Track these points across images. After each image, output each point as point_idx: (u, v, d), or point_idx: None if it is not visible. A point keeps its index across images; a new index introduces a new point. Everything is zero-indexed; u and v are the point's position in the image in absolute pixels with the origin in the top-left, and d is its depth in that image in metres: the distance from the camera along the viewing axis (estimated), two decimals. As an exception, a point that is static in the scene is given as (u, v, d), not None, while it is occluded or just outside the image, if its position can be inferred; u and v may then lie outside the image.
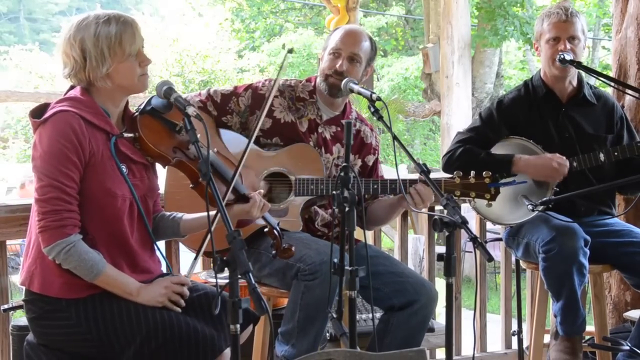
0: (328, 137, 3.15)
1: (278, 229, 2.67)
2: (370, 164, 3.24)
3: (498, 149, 3.30)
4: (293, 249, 2.67)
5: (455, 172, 2.95)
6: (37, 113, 2.40)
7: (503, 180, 2.90)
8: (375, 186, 3.01)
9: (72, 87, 2.47)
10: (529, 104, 3.36)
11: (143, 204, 2.48)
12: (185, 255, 3.31)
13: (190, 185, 2.56)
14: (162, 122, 2.52)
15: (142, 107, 2.52)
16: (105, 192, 2.37)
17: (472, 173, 2.90)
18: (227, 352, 2.42)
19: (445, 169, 3.32)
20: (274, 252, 2.67)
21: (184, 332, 2.36)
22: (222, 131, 3.10)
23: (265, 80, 3.20)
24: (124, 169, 2.42)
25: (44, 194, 2.31)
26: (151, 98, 2.52)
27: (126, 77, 2.41)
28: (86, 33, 2.36)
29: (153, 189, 2.57)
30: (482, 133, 3.34)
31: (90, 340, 2.35)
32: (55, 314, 2.37)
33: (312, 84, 3.18)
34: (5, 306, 2.96)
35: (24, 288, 2.45)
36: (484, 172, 2.90)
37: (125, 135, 2.45)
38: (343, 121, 3.17)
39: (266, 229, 2.71)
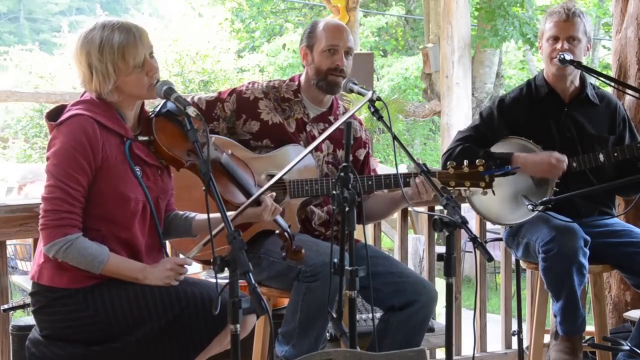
0: (316, 134, 3.14)
1: (289, 231, 2.68)
2: (362, 158, 3.23)
3: (497, 149, 3.30)
4: (303, 251, 2.67)
5: (448, 163, 2.94)
6: (54, 115, 2.45)
7: (496, 168, 2.89)
8: (370, 182, 3.01)
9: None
10: (530, 104, 3.35)
11: (155, 206, 2.50)
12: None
13: (204, 189, 2.56)
14: (177, 126, 2.52)
15: (158, 109, 2.53)
16: (119, 196, 2.40)
17: (466, 162, 2.89)
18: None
19: (444, 167, 3.31)
20: (284, 254, 2.67)
21: (198, 302, 2.41)
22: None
23: (249, 84, 3.18)
24: (138, 172, 2.44)
25: (49, 194, 2.36)
26: (167, 101, 2.52)
27: (134, 89, 2.44)
28: (92, 47, 2.39)
29: (166, 190, 2.59)
30: (482, 132, 3.34)
31: (96, 324, 2.39)
32: (62, 301, 2.40)
33: (296, 82, 3.17)
34: (5, 306, 2.96)
35: (31, 283, 2.48)
36: (477, 161, 2.89)
37: (140, 138, 2.48)
38: (331, 118, 3.19)
39: (277, 231, 2.71)
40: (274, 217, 2.66)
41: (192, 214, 2.66)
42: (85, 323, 2.39)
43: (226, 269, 2.07)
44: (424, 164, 2.66)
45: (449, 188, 2.90)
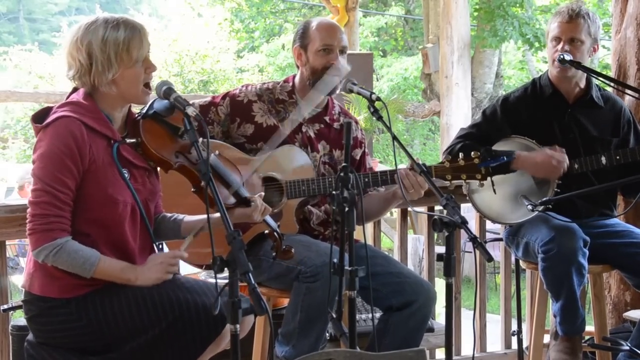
0: (312, 135, 3.14)
1: (278, 231, 2.68)
2: (358, 157, 3.23)
3: (499, 148, 3.29)
4: (293, 250, 2.68)
5: (444, 157, 2.94)
6: (39, 118, 2.41)
7: (492, 159, 2.87)
8: (367, 180, 3.01)
9: (74, 90, 2.46)
10: (534, 103, 3.35)
11: (145, 208, 2.48)
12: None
13: (192, 189, 2.55)
14: (164, 126, 2.51)
15: (144, 110, 2.51)
16: (107, 199, 2.37)
17: (461, 155, 2.87)
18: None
19: None
20: (274, 254, 2.68)
21: (192, 309, 2.39)
22: None
23: (243, 87, 3.18)
24: (126, 174, 2.41)
25: (36, 197, 2.31)
26: (153, 101, 2.51)
27: (131, 83, 2.41)
28: (94, 37, 2.36)
29: (155, 192, 2.57)
30: (484, 130, 3.34)
31: (90, 334, 2.37)
32: (54, 311, 2.37)
33: (290, 84, 3.17)
34: (5, 306, 2.96)
35: (24, 290, 2.45)
36: (472, 153, 2.87)
37: (128, 141, 2.45)
38: (341, 121, 3.20)
39: (267, 231, 2.71)
40: (264, 217, 2.65)
41: (181, 216, 2.64)
42: (79, 333, 2.37)
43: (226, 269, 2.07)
44: (424, 164, 2.65)
45: (446, 182, 2.90)
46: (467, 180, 2.89)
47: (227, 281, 2.05)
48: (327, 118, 3.18)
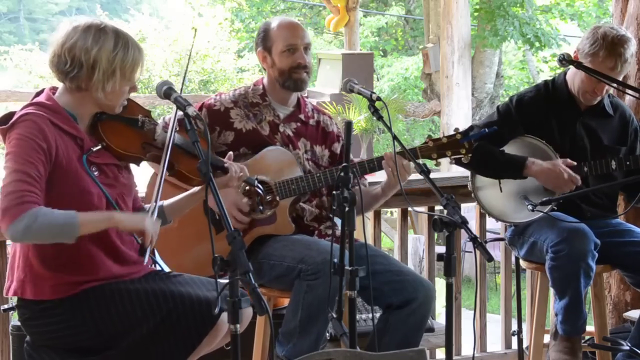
0: (290, 134, 3.14)
1: (258, 185, 2.76)
2: (338, 152, 3.23)
3: (510, 147, 3.28)
4: (277, 198, 2.82)
5: (427, 137, 2.96)
6: (3, 121, 2.40)
7: (474, 133, 2.88)
8: (355, 169, 3.00)
9: (37, 95, 2.46)
10: (547, 106, 3.33)
11: (122, 203, 2.48)
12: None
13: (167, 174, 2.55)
14: (123, 122, 2.50)
15: (99, 113, 2.50)
16: (80, 191, 2.36)
17: (443, 133, 2.91)
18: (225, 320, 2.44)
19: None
20: (260, 207, 2.80)
21: (186, 300, 2.39)
22: None
23: (217, 95, 3.19)
24: (95, 172, 2.41)
25: (6, 180, 2.27)
26: None
27: (116, 99, 2.44)
28: (104, 47, 2.37)
29: (130, 186, 2.57)
30: (498, 129, 3.33)
31: (86, 332, 2.38)
32: (48, 312, 2.38)
33: (261, 86, 3.17)
34: (5, 306, 2.96)
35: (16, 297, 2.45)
36: (453, 129, 2.92)
37: (94, 149, 2.44)
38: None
39: (247, 188, 2.79)
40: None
41: (160, 203, 2.61)
42: (74, 332, 2.38)
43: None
44: (424, 164, 2.66)
45: (432, 160, 2.91)
46: (453, 157, 2.91)
47: (227, 281, 2.06)
48: (302, 116, 3.20)
